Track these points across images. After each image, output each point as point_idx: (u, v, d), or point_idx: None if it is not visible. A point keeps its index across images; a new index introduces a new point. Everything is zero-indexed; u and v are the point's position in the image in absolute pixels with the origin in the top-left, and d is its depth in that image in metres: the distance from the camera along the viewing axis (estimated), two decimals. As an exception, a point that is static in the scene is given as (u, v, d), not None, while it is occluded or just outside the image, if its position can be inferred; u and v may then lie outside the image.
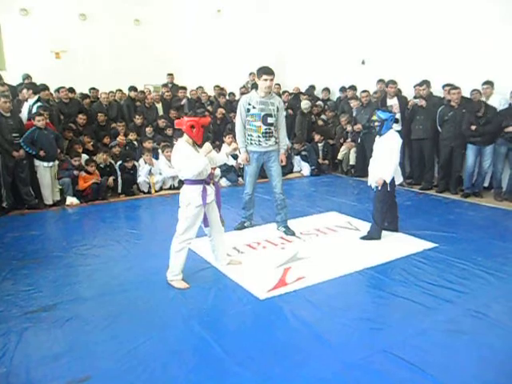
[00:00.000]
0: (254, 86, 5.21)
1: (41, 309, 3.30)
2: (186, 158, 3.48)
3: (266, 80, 4.58)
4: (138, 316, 3.20)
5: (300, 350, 2.76)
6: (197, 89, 10.00)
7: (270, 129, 4.79)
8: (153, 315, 3.22)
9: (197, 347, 2.81)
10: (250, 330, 3.03)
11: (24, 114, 6.34)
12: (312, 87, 10.07)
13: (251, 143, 4.85)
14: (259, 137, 4.78)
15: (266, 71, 4.60)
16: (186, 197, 3.55)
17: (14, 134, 5.85)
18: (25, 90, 6.46)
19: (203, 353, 2.74)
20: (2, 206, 5.97)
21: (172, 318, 3.17)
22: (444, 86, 6.94)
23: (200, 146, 3.59)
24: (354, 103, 8.07)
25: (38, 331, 3.01)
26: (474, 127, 6.11)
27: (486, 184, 6.67)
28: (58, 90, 7.88)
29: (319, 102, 9.61)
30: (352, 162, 8.14)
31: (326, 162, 8.66)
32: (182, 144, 3.56)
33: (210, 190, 3.64)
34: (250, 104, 4.75)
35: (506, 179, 6.31)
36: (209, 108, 8.96)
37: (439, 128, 6.74)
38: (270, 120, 4.75)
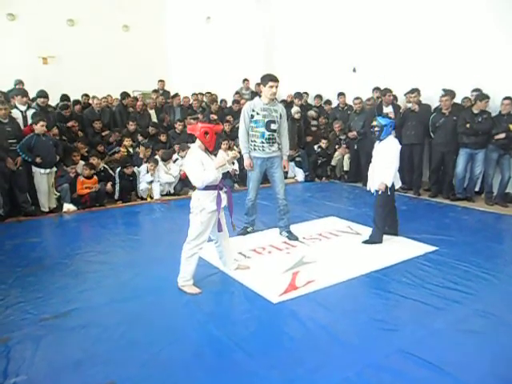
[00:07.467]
0: (254, 94, 5.26)
1: (54, 316, 3.28)
2: (197, 167, 3.48)
3: (271, 87, 4.66)
4: (155, 321, 3.21)
5: (320, 352, 2.81)
6: (192, 95, 10.04)
7: (273, 135, 4.85)
8: (169, 320, 3.23)
9: (219, 351, 2.83)
10: (269, 334, 3.06)
11: (19, 121, 6.25)
12: (299, 94, 9.96)
13: (255, 149, 4.90)
14: (263, 143, 4.85)
15: (271, 78, 4.68)
16: (198, 202, 3.56)
17: (11, 141, 5.78)
18: (20, 97, 6.37)
19: (227, 356, 2.76)
20: (-2, 214, 5.87)
21: (188, 323, 3.19)
22: (435, 94, 7.13)
23: (212, 153, 3.64)
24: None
25: (55, 338, 2.99)
26: (468, 125, 6.27)
27: (476, 189, 6.87)
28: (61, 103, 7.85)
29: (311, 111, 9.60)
30: (346, 167, 8.27)
31: (324, 158, 8.62)
32: (195, 150, 3.59)
33: (223, 195, 3.66)
34: (253, 110, 4.81)
35: (496, 184, 6.51)
36: (199, 116, 8.95)
37: (432, 134, 6.92)
38: (273, 126, 4.82)
